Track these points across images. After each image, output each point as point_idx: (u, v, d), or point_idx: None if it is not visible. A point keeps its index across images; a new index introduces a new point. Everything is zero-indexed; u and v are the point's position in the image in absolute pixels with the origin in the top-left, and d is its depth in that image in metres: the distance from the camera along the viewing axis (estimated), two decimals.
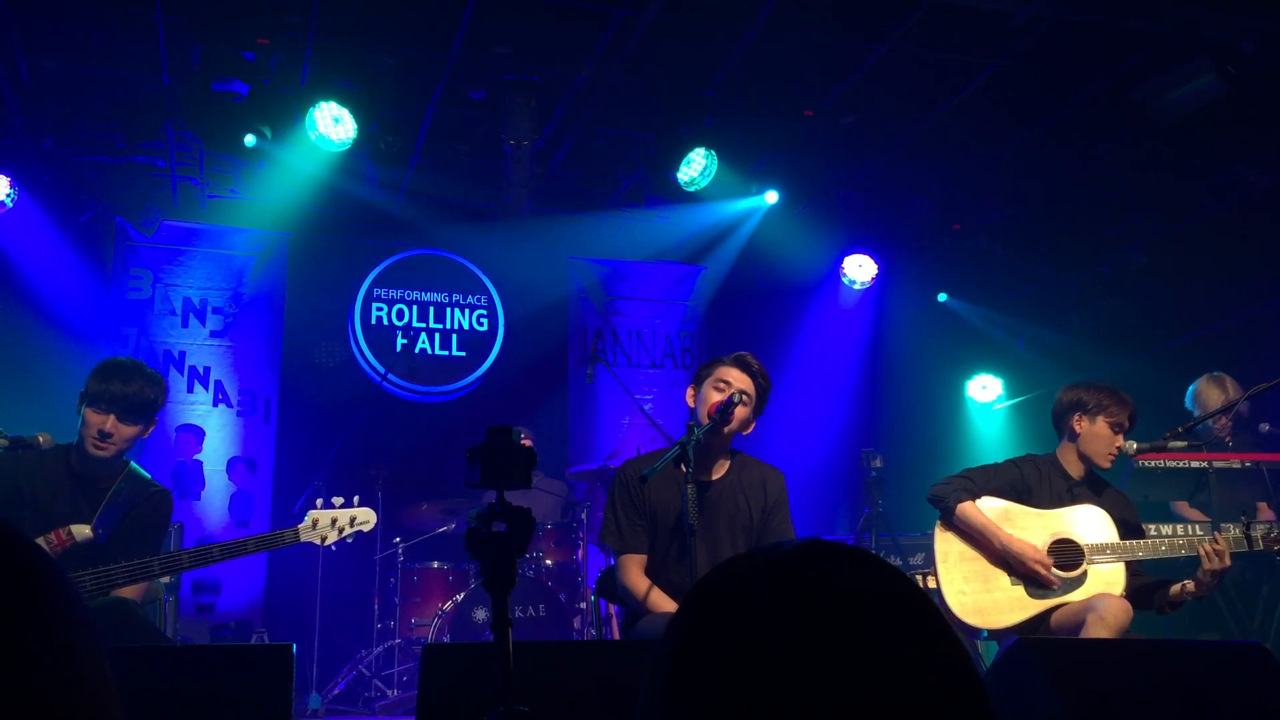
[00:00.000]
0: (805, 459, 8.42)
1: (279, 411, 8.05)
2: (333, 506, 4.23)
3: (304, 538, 4.13)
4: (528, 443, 7.39)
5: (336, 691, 6.59)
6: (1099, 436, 4.43)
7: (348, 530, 4.23)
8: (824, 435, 8.84)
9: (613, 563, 4.22)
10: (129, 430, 3.95)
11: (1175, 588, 4.16)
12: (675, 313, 9.25)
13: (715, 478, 4.11)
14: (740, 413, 3.98)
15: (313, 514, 4.20)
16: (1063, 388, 4.63)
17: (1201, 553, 4.06)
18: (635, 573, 4.03)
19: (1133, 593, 4.27)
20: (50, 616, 0.79)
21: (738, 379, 4.03)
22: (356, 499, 4.32)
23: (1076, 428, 4.48)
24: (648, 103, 6.82)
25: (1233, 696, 2.70)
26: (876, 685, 0.87)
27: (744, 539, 4.07)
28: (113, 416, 3.89)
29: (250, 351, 8.09)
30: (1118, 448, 4.41)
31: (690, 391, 4.17)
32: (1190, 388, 6.18)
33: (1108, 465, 4.46)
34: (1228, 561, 4.04)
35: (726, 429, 3.97)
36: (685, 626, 0.97)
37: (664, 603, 3.91)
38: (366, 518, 4.29)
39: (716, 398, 3.99)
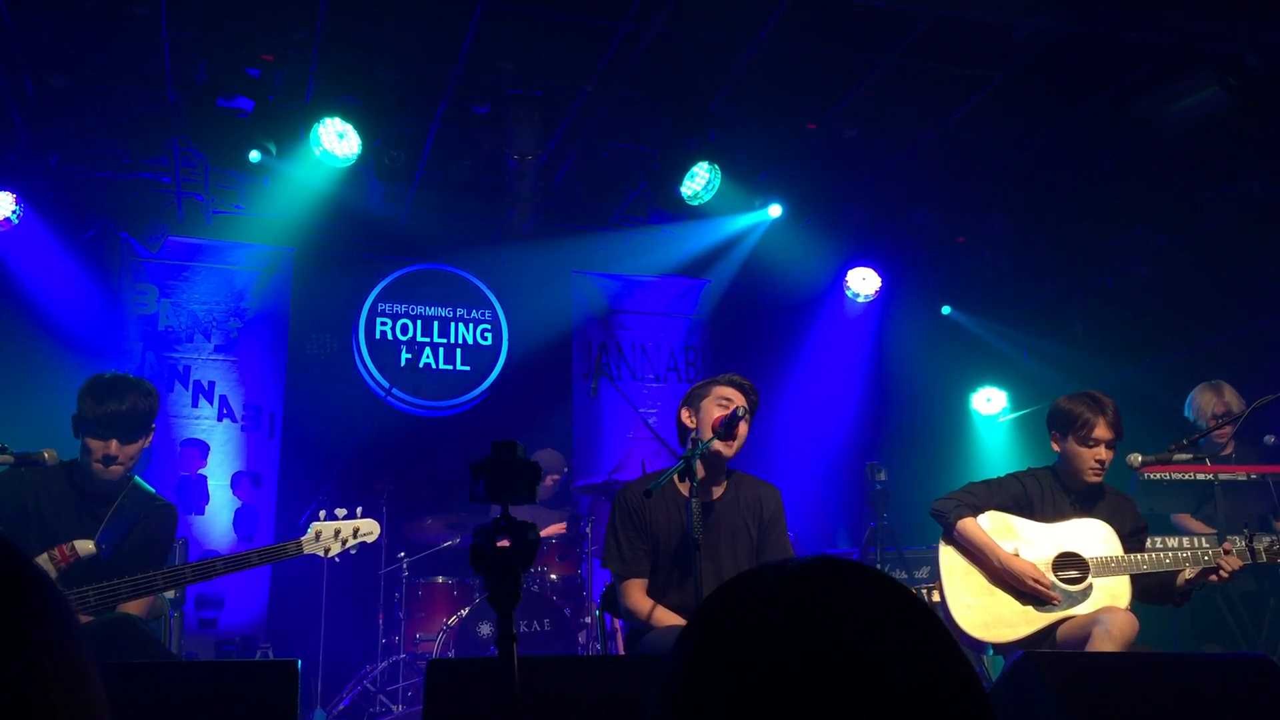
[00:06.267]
0: (810, 472, 8.41)
1: (283, 426, 8.04)
2: (336, 518, 4.23)
3: (307, 549, 4.13)
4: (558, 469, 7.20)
5: (341, 707, 6.57)
6: (1074, 455, 4.42)
7: (351, 541, 4.22)
8: (828, 448, 8.83)
9: None
10: (132, 448, 3.96)
11: (1180, 579, 4.20)
12: (679, 326, 9.24)
13: (715, 497, 4.14)
14: (743, 429, 4.02)
15: (316, 526, 4.19)
16: None
17: (1219, 567, 4.10)
18: (638, 596, 4.03)
19: (1142, 592, 4.28)
20: (46, 623, 0.81)
21: (736, 397, 4.09)
22: (360, 510, 4.31)
23: (1055, 448, 4.50)
24: (651, 117, 6.83)
25: (1239, 709, 2.69)
26: (884, 701, 0.88)
27: (745, 557, 4.09)
28: (115, 441, 3.90)
29: (255, 366, 8.09)
30: (1099, 460, 4.37)
31: (685, 414, 4.19)
32: (1188, 396, 6.19)
33: (1094, 480, 4.41)
34: (1237, 564, 4.11)
35: (730, 443, 4.00)
36: (695, 641, 0.98)
37: (668, 617, 3.91)
38: (370, 528, 4.28)
39: (719, 413, 4.01)
